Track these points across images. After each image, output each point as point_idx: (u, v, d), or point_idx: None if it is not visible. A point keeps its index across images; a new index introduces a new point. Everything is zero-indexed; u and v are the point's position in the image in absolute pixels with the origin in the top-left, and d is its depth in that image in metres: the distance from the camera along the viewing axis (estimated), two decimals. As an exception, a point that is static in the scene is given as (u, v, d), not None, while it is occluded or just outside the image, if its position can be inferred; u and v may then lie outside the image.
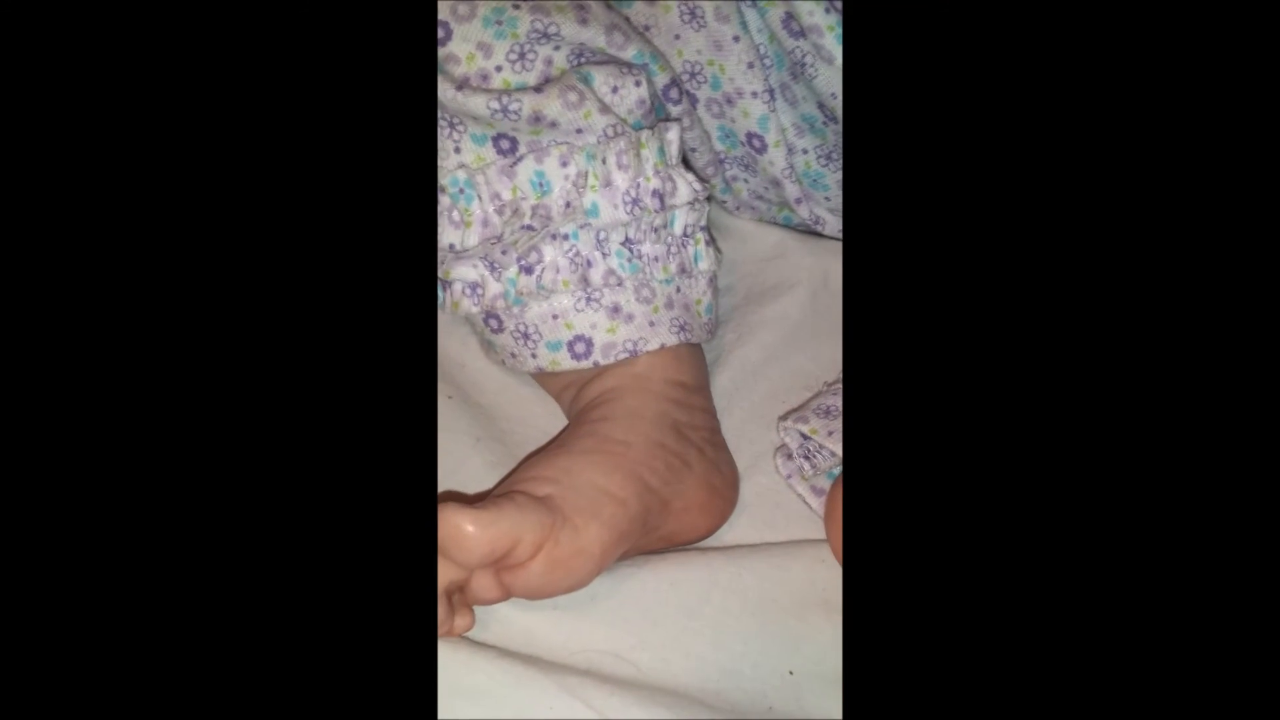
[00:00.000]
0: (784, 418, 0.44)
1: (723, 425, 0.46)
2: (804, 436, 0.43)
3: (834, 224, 0.50)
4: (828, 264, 0.50)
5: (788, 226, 0.51)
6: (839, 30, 0.40)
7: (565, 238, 0.39)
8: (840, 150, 0.45)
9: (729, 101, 0.45)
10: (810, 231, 0.51)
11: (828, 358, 0.48)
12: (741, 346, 0.48)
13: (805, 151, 0.46)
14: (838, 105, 0.42)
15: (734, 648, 0.40)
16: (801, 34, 0.41)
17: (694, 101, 0.45)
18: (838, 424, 0.41)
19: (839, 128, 0.43)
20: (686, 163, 0.43)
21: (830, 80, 0.42)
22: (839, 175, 0.46)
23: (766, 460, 0.45)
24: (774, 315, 0.49)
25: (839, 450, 0.40)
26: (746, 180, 0.49)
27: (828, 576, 0.42)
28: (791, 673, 0.40)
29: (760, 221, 0.52)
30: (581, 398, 0.41)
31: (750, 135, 0.46)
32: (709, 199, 0.43)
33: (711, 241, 0.44)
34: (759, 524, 0.44)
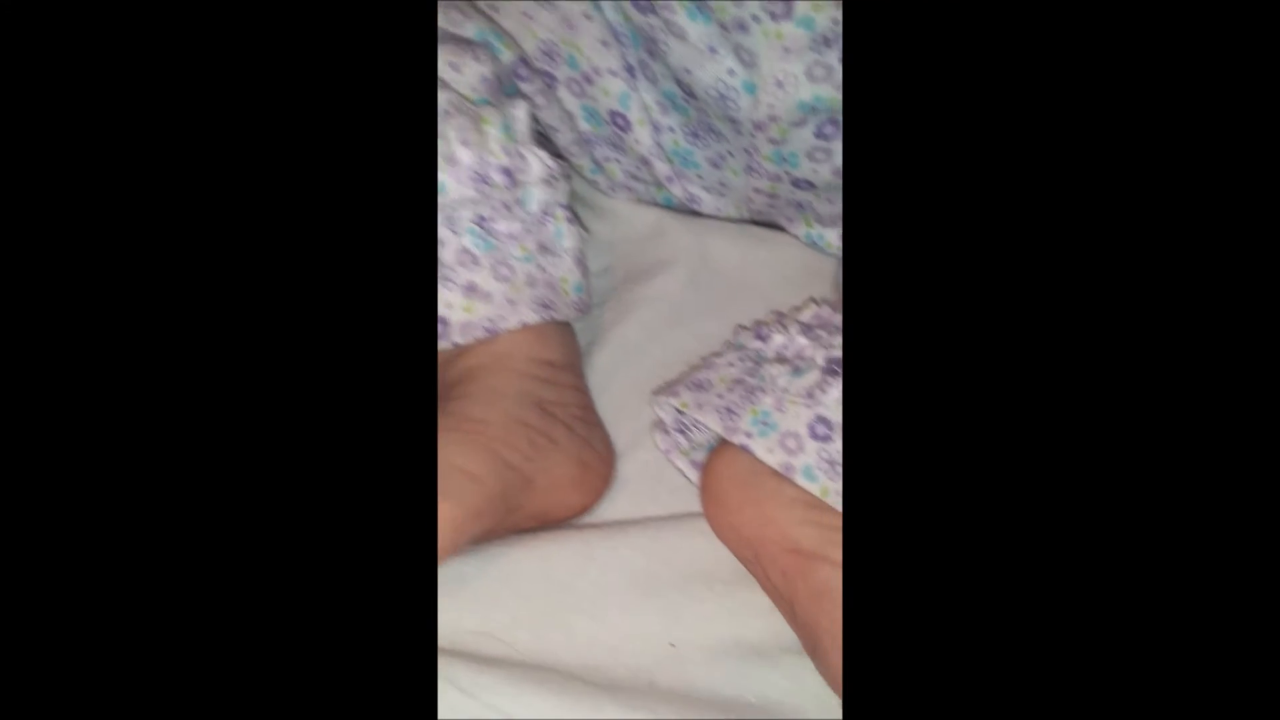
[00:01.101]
0: (657, 392, 0.44)
1: (601, 403, 0.47)
2: (678, 411, 0.43)
3: (710, 202, 0.50)
4: (706, 242, 0.51)
5: (666, 206, 0.52)
6: (690, 4, 0.41)
7: None
8: (705, 127, 0.46)
9: (588, 80, 0.45)
10: (689, 211, 0.52)
11: (710, 335, 0.48)
12: (620, 325, 0.49)
13: (671, 129, 0.47)
14: (693, 81, 0.42)
15: (614, 622, 0.41)
16: (651, 10, 0.42)
17: (552, 81, 0.46)
18: (708, 396, 0.41)
19: (700, 104, 0.44)
20: (544, 140, 0.44)
21: (683, 56, 0.43)
22: (708, 152, 0.47)
23: (647, 436, 0.46)
24: (653, 294, 0.49)
25: (711, 423, 0.40)
26: (618, 160, 0.50)
27: (708, 548, 0.42)
28: (674, 645, 0.41)
29: (638, 202, 0.53)
30: (444, 379, 0.41)
31: (613, 114, 0.46)
32: (568, 177, 0.43)
33: (575, 219, 0.44)
34: (640, 499, 0.45)
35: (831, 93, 0.39)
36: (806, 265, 0.50)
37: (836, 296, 0.47)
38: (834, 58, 0.38)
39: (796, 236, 0.50)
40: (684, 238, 0.51)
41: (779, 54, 0.40)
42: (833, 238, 0.49)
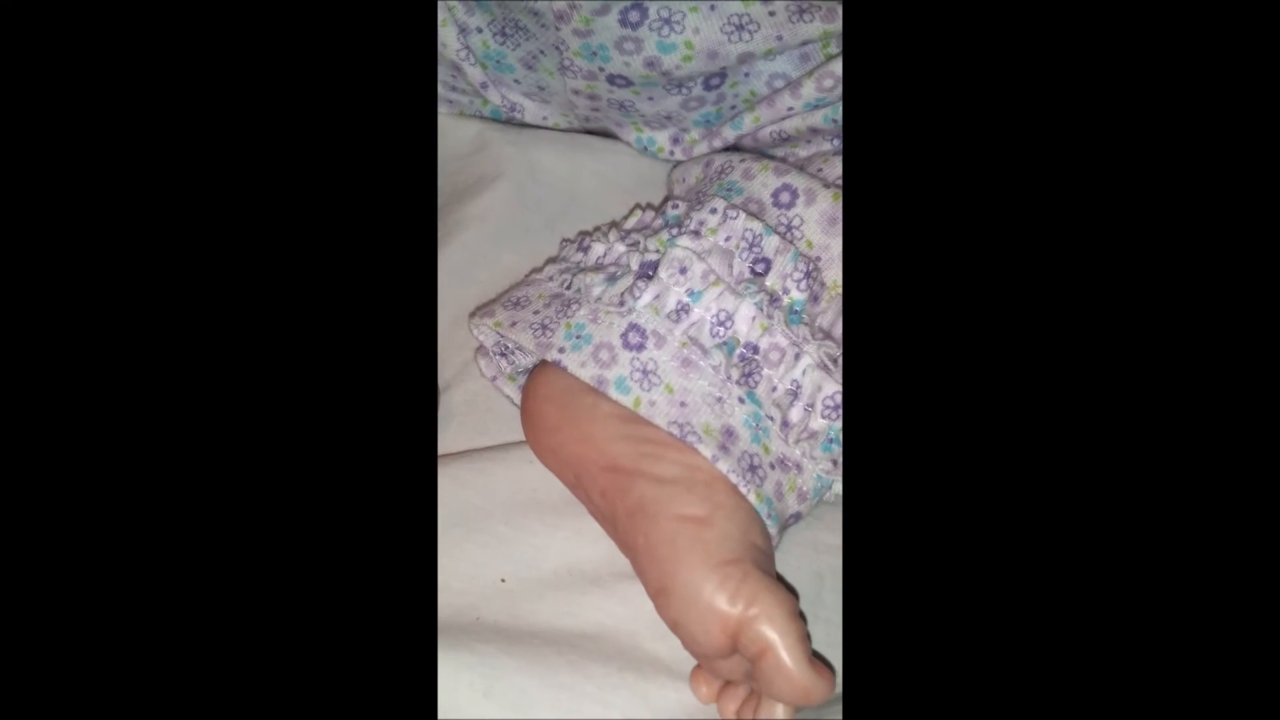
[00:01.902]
0: (474, 314, 0.42)
1: (425, 333, 0.44)
2: (498, 333, 0.41)
3: (534, 110, 0.47)
4: (533, 154, 0.48)
5: (490, 119, 0.49)
6: None
7: None
8: (511, 24, 0.43)
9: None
10: (514, 122, 0.49)
11: (540, 253, 0.46)
12: (444, 249, 0.46)
13: (479, 30, 0.44)
14: None
15: (440, 561, 0.39)
16: None
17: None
18: (524, 314, 0.39)
19: (509, 2, 0.40)
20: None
21: None
22: (520, 52, 0.44)
23: (474, 366, 0.44)
24: (477, 213, 0.47)
25: (525, 341, 0.38)
26: (431, 70, 0.47)
27: (535, 476, 0.40)
28: (504, 580, 0.39)
29: (460, 115, 0.50)
30: None
31: (415, 16, 0.43)
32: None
33: None
34: (469, 431, 0.43)
35: None
36: (639, 174, 0.48)
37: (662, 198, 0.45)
38: (626, -65, 0.36)
39: (628, 143, 0.48)
40: (508, 150, 0.48)
41: (570, -66, 0.37)
42: (663, 141, 0.46)
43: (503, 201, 0.47)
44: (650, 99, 0.43)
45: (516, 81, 0.46)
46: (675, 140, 0.46)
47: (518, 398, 0.42)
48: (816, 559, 0.41)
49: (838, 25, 0.38)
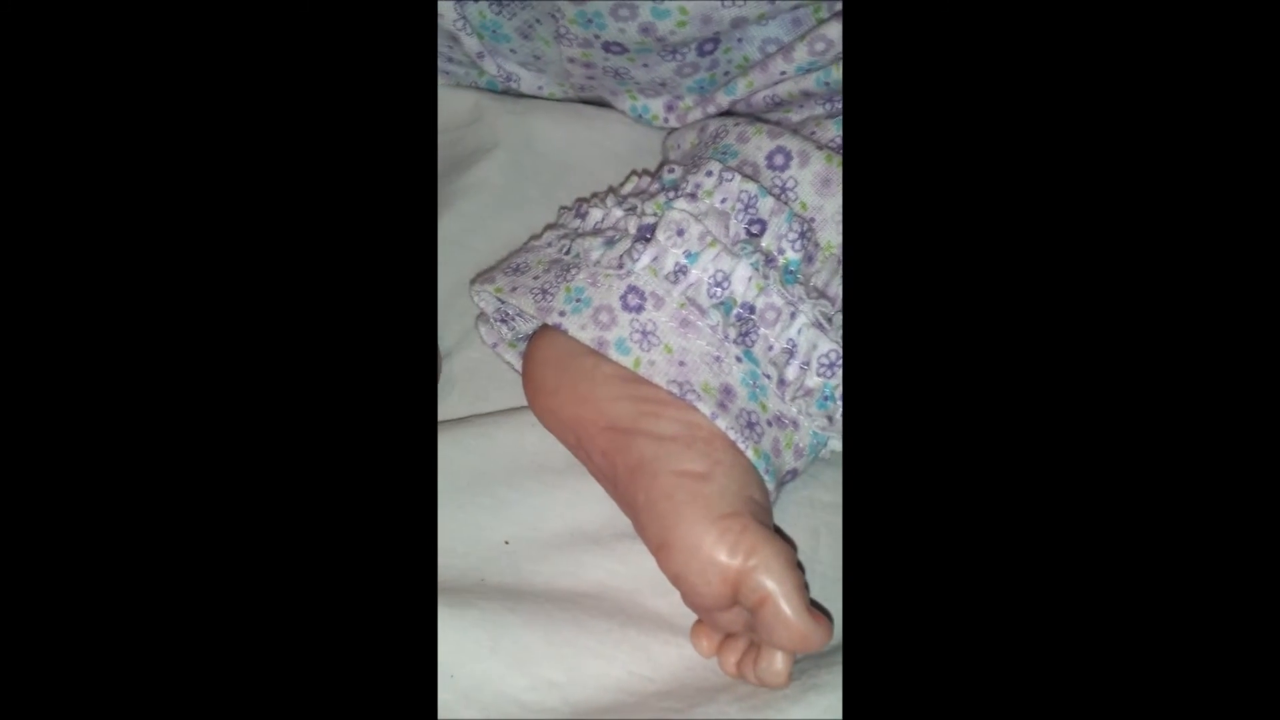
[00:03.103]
0: (474, 280, 0.42)
1: (425, 301, 0.45)
2: (498, 299, 0.42)
3: (530, 80, 0.48)
4: (529, 123, 0.49)
5: (486, 89, 0.50)
6: None
7: None
8: None
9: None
10: (510, 92, 0.49)
11: (536, 222, 0.46)
12: (441, 218, 0.47)
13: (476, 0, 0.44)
14: None
15: (443, 525, 0.39)
16: None
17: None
18: (524, 279, 0.40)
19: None
20: None
21: None
22: (516, 21, 0.44)
23: (475, 333, 0.44)
24: (474, 182, 0.47)
25: (525, 305, 0.39)
26: (427, 40, 0.47)
27: (536, 440, 0.41)
28: (507, 542, 0.40)
29: (456, 86, 0.50)
30: None
31: (411, -14, 0.44)
32: None
33: None
34: (469, 398, 0.43)
35: None
36: (634, 142, 0.48)
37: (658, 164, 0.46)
38: (620, -100, 0.36)
39: (623, 112, 0.48)
40: (504, 119, 0.49)
41: (564, -100, 0.37)
42: (658, 109, 0.47)
43: (500, 171, 0.48)
44: (645, 66, 0.44)
45: (512, 51, 0.46)
46: (670, 107, 0.47)
47: (518, 364, 0.43)
48: (813, 515, 0.42)
49: (830, -11, 0.39)
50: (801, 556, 0.41)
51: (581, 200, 0.43)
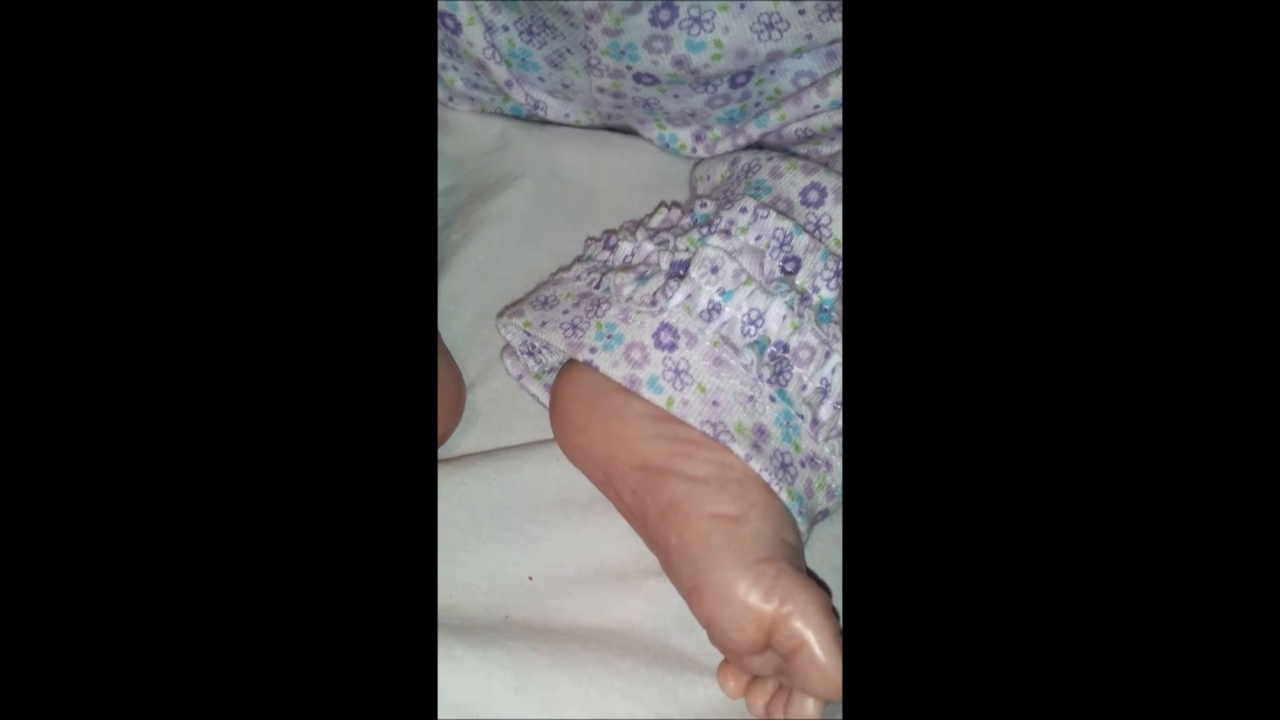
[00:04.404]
0: (502, 313, 0.42)
1: (450, 330, 0.45)
2: (526, 332, 0.41)
3: (556, 108, 0.48)
4: (555, 151, 0.48)
5: (512, 116, 0.50)
6: None
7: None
8: (539, 22, 0.43)
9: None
10: (536, 119, 0.49)
11: (563, 250, 0.46)
12: (466, 246, 0.47)
13: (505, 29, 0.44)
14: None
15: (467, 561, 0.39)
16: None
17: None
18: (553, 313, 0.40)
19: (538, 2, 0.41)
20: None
21: None
22: (546, 51, 0.44)
23: (500, 364, 0.44)
24: (499, 210, 0.47)
25: (555, 340, 0.38)
26: (455, 67, 0.47)
27: (562, 474, 0.41)
28: (531, 578, 0.39)
29: (482, 113, 0.50)
30: None
31: (442, 15, 0.43)
32: None
33: None
34: (493, 429, 0.43)
35: None
36: (660, 170, 0.48)
37: (689, 197, 0.46)
38: (660, -66, 0.36)
39: (650, 140, 0.48)
40: (530, 147, 0.48)
41: (601, -67, 0.37)
42: (685, 138, 0.47)
43: (525, 199, 0.47)
44: (676, 97, 0.43)
45: (541, 79, 0.46)
46: (698, 137, 0.47)
47: (544, 397, 0.42)
48: (837, 553, 0.42)
49: (867, 25, 0.39)
50: (828, 596, 0.41)
51: (610, 232, 0.43)
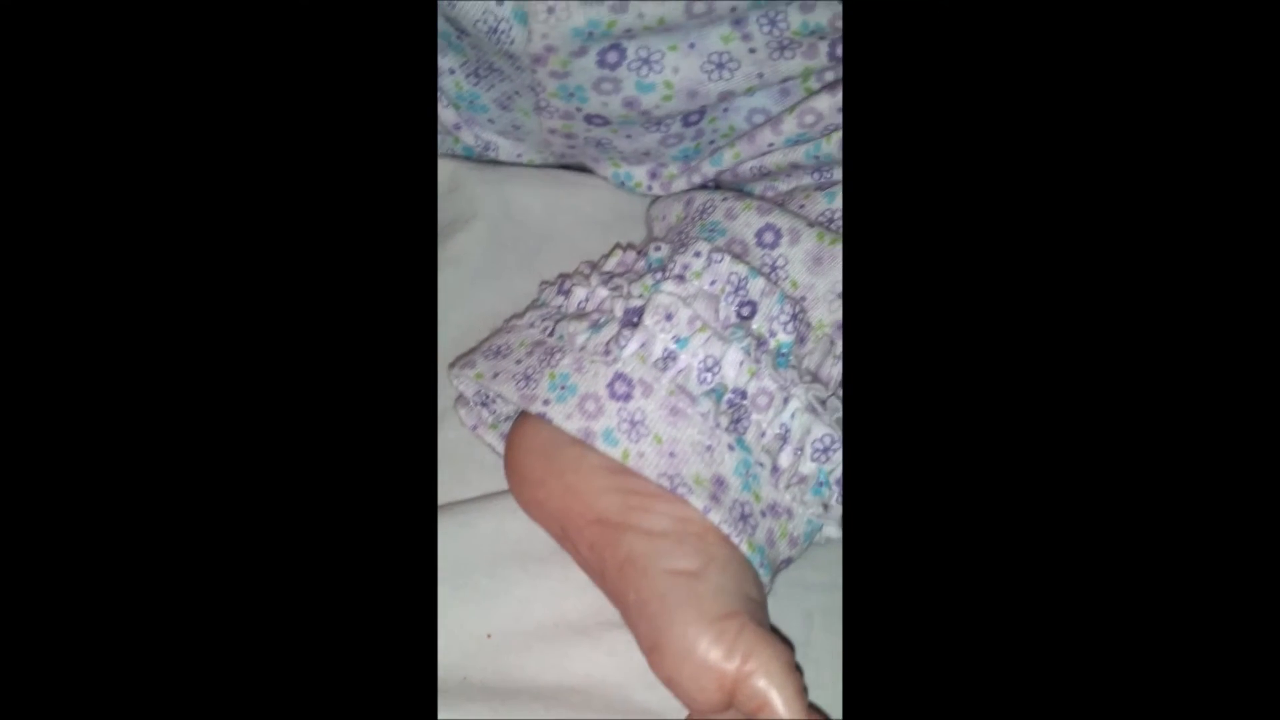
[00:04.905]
0: (454, 364, 0.41)
1: (402, 380, 0.44)
2: (480, 384, 0.40)
3: (508, 148, 0.47)
4: (507, 192, 0.48)
5: (463, 157, 0.49)
6: None
7: None
8: (485, 65, 0.42)
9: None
10: (487, 160, 0.48)
11: (518, 293, 0.45)
12: (418, 292, 0.45)
13: (452, 71, 0.43)
14: (460, 15, 0.39)
15: (422, 619, 0.38)
16: None
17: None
18: (506, 364, 0.39)
19: (474, 40, 0.40)
20: None
21: None
22: (494, 93, 0.43)
23: (454, 414, 0.43)
24: (451, 256, 0.46)
25: (507, 392, 0.37)
26: (401, 109, 0.46)
27: (519, 527, 0.40)
28: (489, 636, 0.38)
29: (431, 154, 0.49)
30: None
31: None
32: None
33: None
34: (448, 481, 0.42)
35: (607, 15, 0.36)
36: (616, 208, 0.47)
37: (645, 238, 0.45)
38: (605, -25, 0.36)
39: (605, 178, 0.47)
40: (482, 189, 0.47)
41: (545, -24, 0.36)
42: (641, 176, 0.46)
43: (478, 242, 0.47)
44: (629, 136, 0.43)
45: (490, 121, 0.45)
46: (653, 175, 0.46)
47: (499, 446, 0.42)
48: (805, 598, 0.41)
49: (819, 61, 0.39)
50: (794, 642, 0.40)
51: (565, 276, 0.42)
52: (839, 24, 0.38)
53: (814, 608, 0.41)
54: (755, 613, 0.34)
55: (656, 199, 0.45)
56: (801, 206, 0.40)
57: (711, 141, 0.43)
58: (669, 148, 0.43)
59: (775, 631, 0.36)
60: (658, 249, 0.39)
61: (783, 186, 0.42)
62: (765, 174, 0.42)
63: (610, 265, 0.41)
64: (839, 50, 0.38)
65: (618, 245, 0.43)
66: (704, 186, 0.44)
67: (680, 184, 0.45)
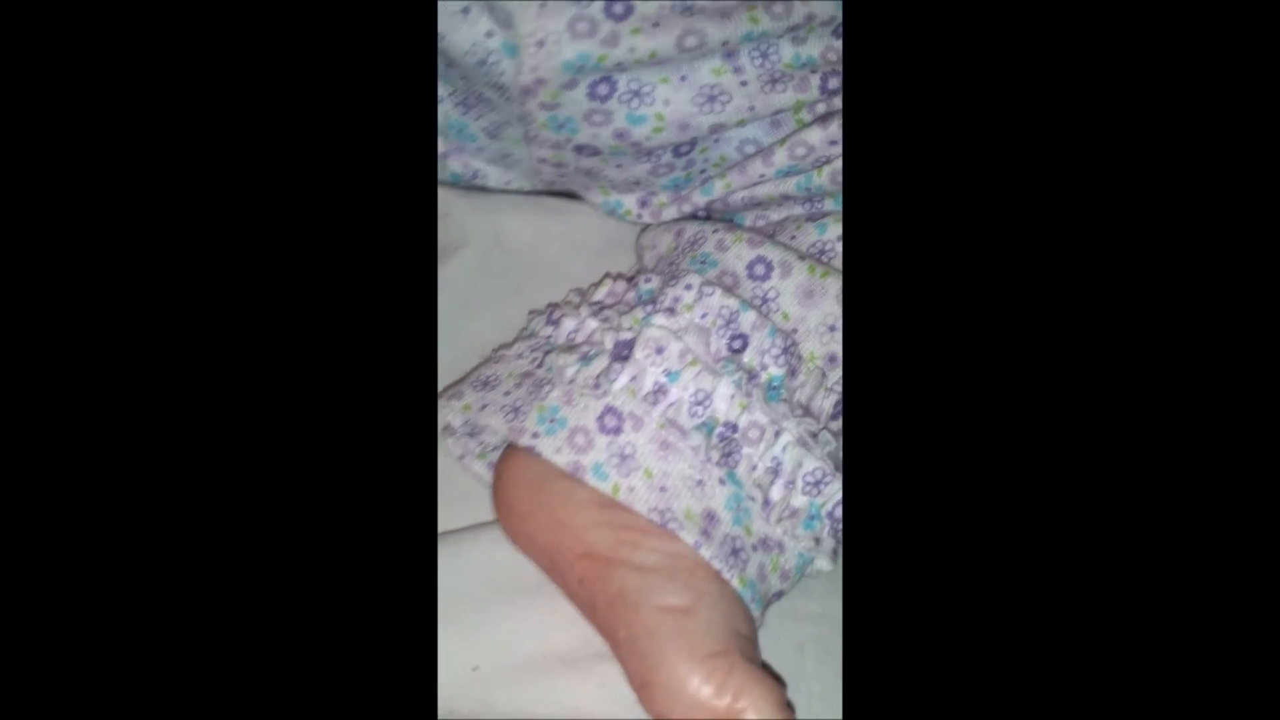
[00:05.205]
0: (441, 394, 0.41)
1: (390, 409, 0.43)
2: (468, 416, 0.40)
3: (497, 176, 0.47)
4: (497, 220, 0.47)
5: (451, 185, 0.49)
6: None
7: None
8: (474, 96, 0.42)
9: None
10: (475, 188, 0.48)
11: (508, 321, 0.45)
12: (407, 320, 0.45)
13: (440, 100, 0.43)
14: (450, 46, 0.39)
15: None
16: None
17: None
18: (494, 395, 0.39)
19: (463, 72, 0.40)
20: None
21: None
22: (483, 123, 0.43)
23: (441, 443, 0.43)
24: (441, 282, 0.46)
25: (495, 424, 0.37)
26: (391, 136, 0.46)
27: (506, 558, 0.40)
28: (477, 668, 0.38)
29: (421, 180, 0.49)
30: None
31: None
32: None
33: None
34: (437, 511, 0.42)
35: (598, 49, 0.36)
36: (607, 235, 0.47)
37: (635, 266, 0.45)
38: (597, 10, 0.36)
39: (595, 205, 0.47)
40: (472, 217, 0.47)
41: (535, 10, 0.37)
42: (631, 204, 0.46)
43: (467, 270, 0.46)
44: (619, 166, 0.43)
45: (479, 149, 0.45)
46: (643, 203, 0.46)
47: (487, 476, 0.41)
48: (797, 630, 0.41)
49: (811, 94, 0.39)
50: (786, 674, 0.40)
51: (554, 305, 0.42)
52: (831, 56, 0.38)
53: (806, 639, 0.41)
54: (746, 649, 0.34)
55: (647, 228, 0.44)
56: (793, 238, 0.40)
57: (703, 171, 0.43)
58: (659, 177, 0.43)
59: (766, 668, 0.36)
60: (648, 280, 0.39)
61: (774, 216, 0.42)
62: (756, 204, 0.42)
63: (600, 295, 0.41)
64: (830, 83, 0.39)
65: (607, 275, 0.43)
66: (695, 215, 0.44)
67: (671, 212, 0.45)
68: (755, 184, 0.41)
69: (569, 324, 0.39)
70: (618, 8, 0.35)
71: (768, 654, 0.40)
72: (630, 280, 0.41)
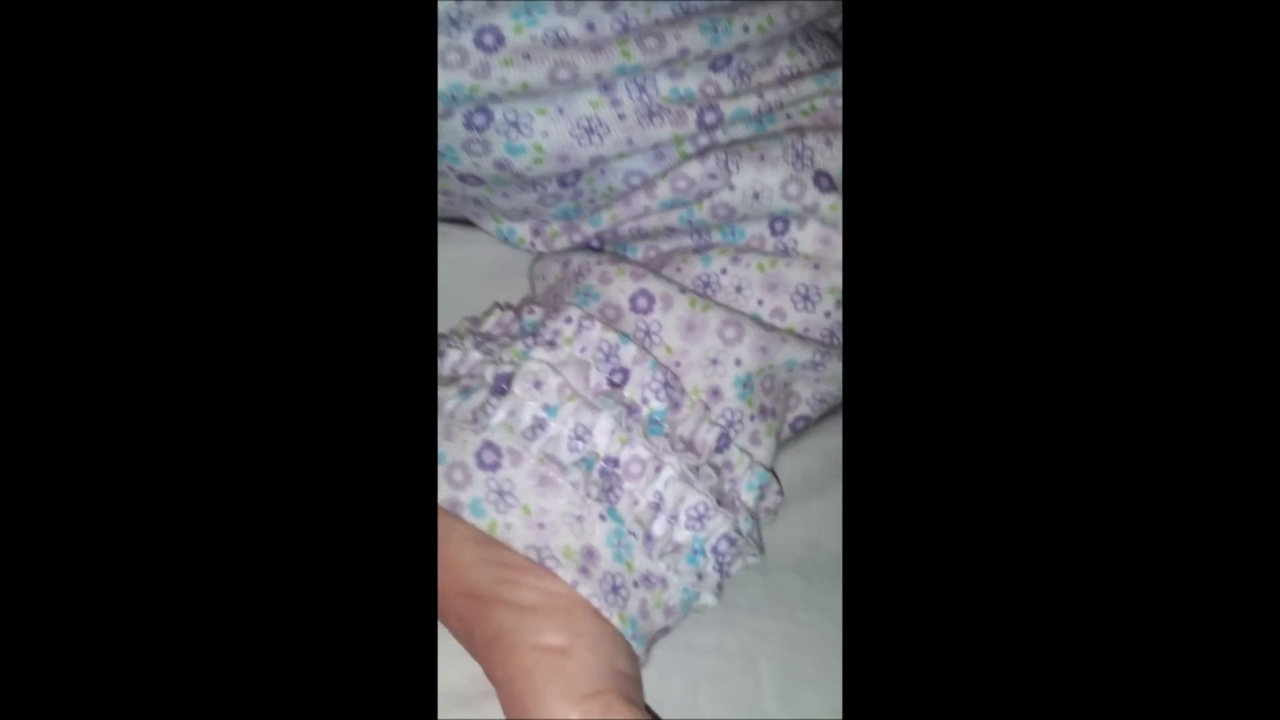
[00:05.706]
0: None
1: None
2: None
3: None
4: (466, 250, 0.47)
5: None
6: None
7: None
8: None
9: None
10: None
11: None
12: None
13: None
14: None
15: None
16: None
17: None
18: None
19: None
20: None
21: None
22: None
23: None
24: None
25: None
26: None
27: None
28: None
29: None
30: None
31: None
32: None
33: None
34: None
35: (469, 79, 0.36)
36: (501, 262, 0.47)
37: (525, 296, 0.45)
38: (466, 40, 0.35)
39: (488, 233, 0.47)
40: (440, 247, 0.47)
41: (410, 40, 0.36)
42: (524, 232, 0.46)
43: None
44: (505, 195, 0.42)
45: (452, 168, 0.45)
46: (536, 231, 0.46)
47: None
48: (690, 662, 0.41)
49: (688, 128, 0.39)
50: (680, 708, 0.40)
51: (441, 336, 0.41)
52: (709, 90, 0.38)
53: (699, 673, 0.41)
54: (625, 688, 0.33)
55: (540, 256, 0.44)
56: (678, 270, 0.40)
57: (591, 200, 0.43)
58: (548, 206, 0.43)
59: (649, 709, 0.35)
60: (531, 312, 0.39)
61: (665, 248, 0.42)
62: (645, 235, 0.42)
63: (489, 325, 0.41)
64: (707, 118, 0.39)
65: (496, 305, 0.42)
66: (587, 245, 0.43)
67: (563, 241, 0.45)
68: (641, 216, 0.41)
69: (453, 355, 0.39)
70: (488, 39, 0.35)
71: (660, 688, 0.40)
72: (517, 311, 0.41)
